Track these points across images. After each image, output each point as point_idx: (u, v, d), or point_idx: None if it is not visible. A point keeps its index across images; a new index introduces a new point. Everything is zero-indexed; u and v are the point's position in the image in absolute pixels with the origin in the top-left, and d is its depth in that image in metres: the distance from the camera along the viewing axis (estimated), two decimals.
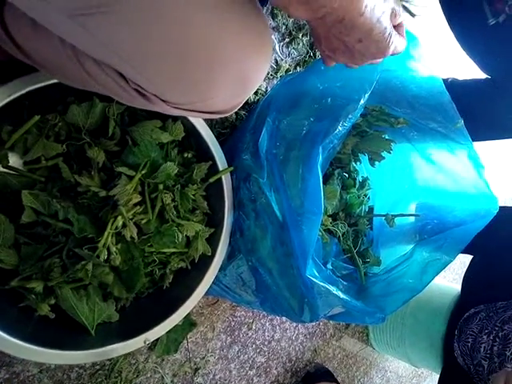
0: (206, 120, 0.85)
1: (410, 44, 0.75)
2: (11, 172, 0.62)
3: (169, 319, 0.68)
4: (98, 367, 0.74)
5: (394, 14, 0.40)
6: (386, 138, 0.85)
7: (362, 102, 0.64)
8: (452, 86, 1.00)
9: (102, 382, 0.74)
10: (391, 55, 0.48)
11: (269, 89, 0.95)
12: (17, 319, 0.61)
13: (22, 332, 0.58)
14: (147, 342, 0.65)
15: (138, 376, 0.79)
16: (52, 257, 0.61)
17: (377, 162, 0.88)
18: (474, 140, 0.77)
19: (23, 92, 0.54)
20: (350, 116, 0.63)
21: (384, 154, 0.86)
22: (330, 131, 0.63)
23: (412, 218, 0.92)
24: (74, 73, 0.41)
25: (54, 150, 0.62)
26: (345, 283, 0.78)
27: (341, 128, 0.64)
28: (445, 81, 0.96)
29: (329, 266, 0.79)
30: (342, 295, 0.70)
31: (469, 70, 0.95)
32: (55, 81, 0.55)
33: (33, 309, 0.62)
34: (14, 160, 0.62)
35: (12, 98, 0.53)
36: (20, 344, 0.56)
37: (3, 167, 0.61)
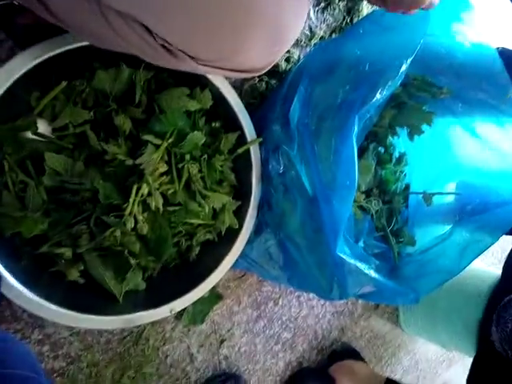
0: (234, 89, 0.82)
1: (460, 5, 0.69)
2: (40, 139, 0.62)
3: (194, 290, 0.68)
4: (126, 333, 0.75)
5: None
6: (427, 109, 0.79)
7: (403, 68, 0.58)
8: (502, 55, 0.91)
9: (130, 348, 0.76)
10: (423, 9, 0.43)
11: (302, 57, 0.90)
12: (48, 283, 0.62)
13: (54, 296, 0.59)
14: (173, 312, 0.65)
15: (164, 344, 0.80)
16: (80, 224, 0.61)
17: (416, 136, 0.82)
18: None
19: (49, 55, 0.53)
20: (389, 83, 0.58)
21: (424, 127, 0.80)
22: (367, 100, 0.59)
23: (451, 197, 0.87)
24: (98, 29, 0.39)
25: (81, 116, 0.61)
26: (377, 262, 0.74)
27: (379, 96, 0.59)
28: None
29: (360, 243, 0.76)
30: (373, 274, 0.67)
31: None
32: (81, 44, 0.54)
33: (64, 274, 0.63)
34: (42, 127, 0.62)
35: (37, 61, 0.52)
36: (51, 307, 0.57)
37: (32, 134, 0.61)
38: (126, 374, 0.74)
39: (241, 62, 0.38)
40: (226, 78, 0.67)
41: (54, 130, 0.63)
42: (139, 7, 0.33)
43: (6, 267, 0.54)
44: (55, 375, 0.68)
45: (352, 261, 0.64)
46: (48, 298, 0.57)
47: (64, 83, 0.60)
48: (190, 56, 0.37)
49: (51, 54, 0.53)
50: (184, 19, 0.33)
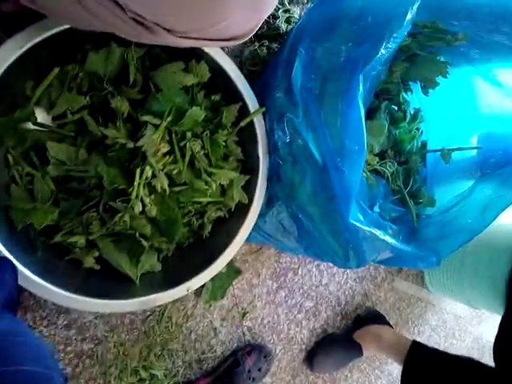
0: (234, 58, 0.78)
1: None
2: (41, 129, 0.61)
3: (210, 268, 0.68)
4: (148, 313, 0.77)
5: None
6: (442, 60, 0.74)
7: (408, 16, 0.54)
8: None
9: (154, 327, 0.77)
10: None
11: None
12: (66, 271, 0.63)
13: (72, 283, 0.61)
14: (190, 291, 0.66)
15: (187, 321, 0.81)
16: (89, 211, 0.61)
17: (431, 90, 0.77)
18: None
19: (34, 42, 0.51)
20: (394, 35, 0.54)
21: (439, 79, 0.75)
22: (372, 56, 0.55)
23: (473, 152, 0.82)
24: (72, 10, 0.37)
25: (77, 102, 0.60)
26: (394, 226, 0.72)
27: (384, 51, 0.55)
28: None
29: (376, 208, 0.73)
30: (390, 240, 0.65)
31: None
32: (63, 27, 0.52)
33: (80, 261, 0.64)
34: (42, 116, 0.61)
35: (25, 49, 0.51)
36: (70, 296, 0.58)
37: (33, 124, 0.61)
38: (152, 352, 0.76)
39: (220, 30, 0.35)
40: (222, 47, 0.64)
41: (53, 118, 0.63)
42: None
43: (21, 261, 0.54)
44: (84, 357, 0.71)
45: (366, 227, 0.62)
46: (66, 286, 0.58)
47: (56, 69, 0.58)
48: (165, 29, 0.34)
49: (35, 41, 0.51)
50: None
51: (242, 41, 0.39)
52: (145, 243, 0.64)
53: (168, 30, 0.35)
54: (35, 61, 0.56)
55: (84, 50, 0.60)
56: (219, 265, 0.69)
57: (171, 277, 0.69)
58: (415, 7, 0.53)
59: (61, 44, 0.56)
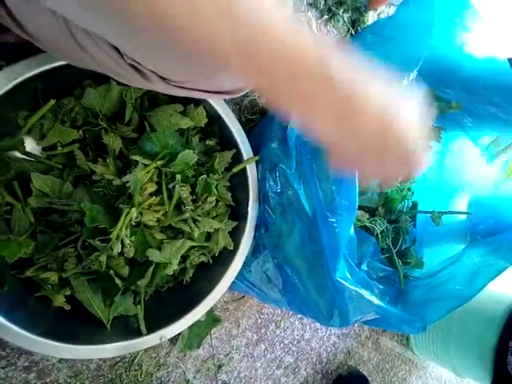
0: (234, 105, 0.79)
1: (466, 13, 0.65)
2: (29, 158, 0.60)
3: (187, 316, 0.64)
4: (117, 359, 0.72)
5: None
6: (435, 125, 0.75)
7: (406, 82, 0.55)
8: None
9: (122, 375, 0.72)
10: None
11: None
12: (34, 309, 0.60)
13: (39, 324, 0.57)
14: (163, 340, 0.62)
15: (158, 370, 0.76)
16: (66, 246, 0.58)
17: None
18: None
19: (31, 74, 0.51)
20: None
21: (432, 143, 0.76)
22: None
23: (462, 217, 0.82)
24: (69, 48, 0.37)
25: (69, 135, 0.59)
26: (381, 286, 0.70)
27: None
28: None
29: (364, 266, 0.71)
30: (376, 301, 0.62)
31: None
32: (64, 63, 0.52)
33: (50, 299, 0.61)
34: (31, 146, 0.60)
35: (19, 79, 0.50)
36: (36, 339, 0.54)
37: (21, 153, 0.59)
38: None
39: (214, 84, 0.35)
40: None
41: (44, 149, 0.62)
42: (101, 24, 0.30)
43: None
44: None
45: (353, 286, 0.60)
46: (31, 326, 0.55)
47: (52, 102, 0.58)
48: (160, 77, 0.34)
49: (32, 72, 0.51)
50: (148, 36, 0.30)
51: (238, 95, 0.39)
52: (118, 281, 0.61)
53: (163, 79, 0.34)
54: (31, 91, 0.56)
55: (82, 86, 0.60)
56: (198, 312, 0.66)
57: (146, 322, 0.65)
58: (412, 74, 0.54)
59: (59, 78, 0.56)
